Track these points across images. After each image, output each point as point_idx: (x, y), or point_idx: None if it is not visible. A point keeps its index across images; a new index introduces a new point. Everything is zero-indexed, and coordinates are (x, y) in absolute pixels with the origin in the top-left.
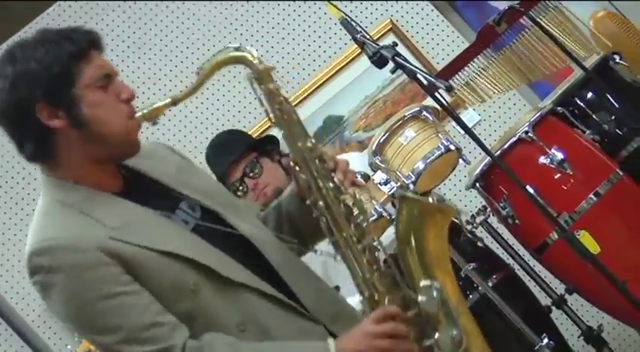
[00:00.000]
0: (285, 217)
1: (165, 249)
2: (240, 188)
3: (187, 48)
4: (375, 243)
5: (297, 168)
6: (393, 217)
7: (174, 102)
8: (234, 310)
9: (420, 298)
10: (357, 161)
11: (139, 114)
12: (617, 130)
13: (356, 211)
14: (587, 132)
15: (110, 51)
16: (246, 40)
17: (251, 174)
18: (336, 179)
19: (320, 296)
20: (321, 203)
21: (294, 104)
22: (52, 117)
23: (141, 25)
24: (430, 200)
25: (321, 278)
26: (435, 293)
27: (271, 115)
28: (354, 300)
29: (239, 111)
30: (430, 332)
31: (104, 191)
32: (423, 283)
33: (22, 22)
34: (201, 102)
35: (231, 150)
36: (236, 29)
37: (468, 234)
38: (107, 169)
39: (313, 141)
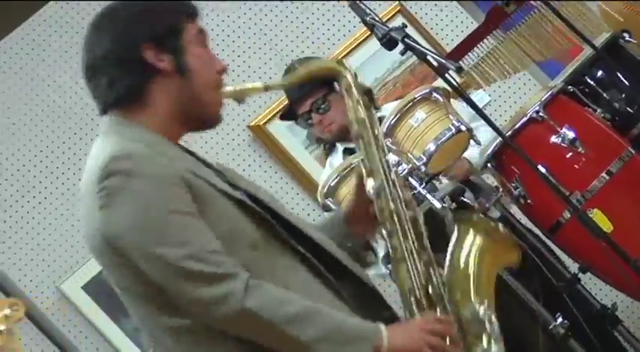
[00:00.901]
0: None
1: (237, 197)
2: (308, 121)
3: None
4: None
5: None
6: None
7: (267, 89)
8: (285, 276)
9: (468, 317)
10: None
11: (229, 88)
12: (628, 108)
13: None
14: (598, 110)
15: None
16: (255, 24)
17: (319, 110)
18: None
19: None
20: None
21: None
22: (158, 59)
23: None
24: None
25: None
26: (482, 315)
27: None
28: None
29: None
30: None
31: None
32: (474, 305)
33: (16, 21)
34: None
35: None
36: (245, 13)
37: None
38: (180, 135)
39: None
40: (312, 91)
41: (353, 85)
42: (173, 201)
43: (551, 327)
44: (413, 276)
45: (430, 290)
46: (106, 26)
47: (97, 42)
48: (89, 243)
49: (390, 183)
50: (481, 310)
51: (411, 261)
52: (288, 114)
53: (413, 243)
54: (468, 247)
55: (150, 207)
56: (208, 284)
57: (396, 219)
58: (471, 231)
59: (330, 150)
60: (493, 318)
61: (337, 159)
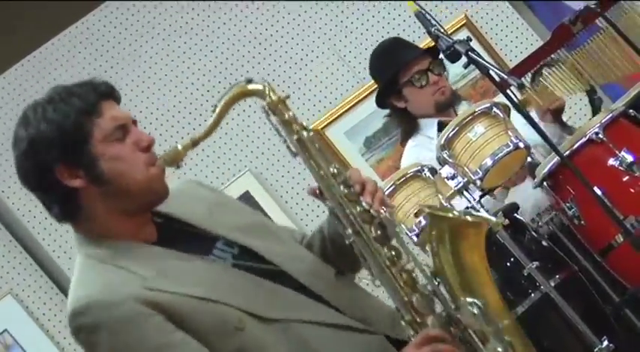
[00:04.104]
0: (328, 241)
1: (201, 296)
2: (421, 78)
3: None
4: (411, 264)
5: (323, 197)
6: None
7: (194, 143)
8: (282, 341)
9: (462, 316)
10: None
11: (160, 161)
12: None
13: (391, 234)
14: None
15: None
16: (325, 34)
17: (436, 71)
18: (364, 203)
19: (369, 307)
20: (349, 230)
21: (366, 94)
22: (72, 178)
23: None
24: (457, 214)
25: (368, 292)
26: (476, 311)
27: (290, 146)
28: None
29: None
30: (477, 348)
31: (137, 241)
32: (463, 300)
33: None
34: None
35: (416, 48)
36: (309, 26)
37: (533, 233)
38: (138, 219)
39: (337, 166)
40: (429, 53)
41: (279, 103)
42: (141, 340)
43: (596, 350)
44: (396, 293)
45: (417, 302)
46: (16, 156)
47: (18, 170)
48: None
49: (343, 198)
50: (475, 307)
51: (389, 276)
52: (386, 87)
53: (386, 258)
54: (440, 242)
55: None
56: None
57: (356, 238)
58: (437, 227)
59: (408, 133)
60: (488, 311)
61: (431, 131)
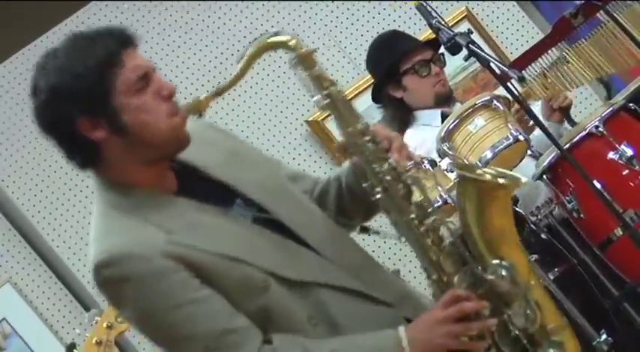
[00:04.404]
0: (345, 190)
1: (227, 254)
2: (423, 67)
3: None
4: (439, 222)
5: (350, 152)
6: None
7: (219, 93)
8: (303, 304)
9: (490, 277)
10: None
11: (183, 109)
12: None
13: (416, 191)
14: None
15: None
16: (325, 25)
17: (438, 63)
18: (391, 159)
19: (379, 279)
20: (378, 188)
21: (367, 86)
22: (95, 130)
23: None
24: (488, 176)
25: (375, 260)
26: (504, 272)
27: (320, 100)
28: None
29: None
30: (503, 308)
31: (160, 191)
32: (492, 262)
33: (53, 21)
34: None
35: (417, 39)
36: (310, 17)
37: (532, 226)
38: (159, 168)
39: (365, 122)
40: (431, 45)
41: (308, 56)
42: (167, 296)
43: (594, 343)
44: (423, 252)
45: (443, 261)
46: (36, 107)
47: (37, 120)
48: None
49: (372, 155)
50: (503, 269)
51: (417, 234)
52: (386, 74)
53: (414, 216)
54: (468, 204)
55: (148, 310)
56: None
57: (385, 196)
58: (466, 189)
59: (403, 126)
60: (516, 274)
61: (434, 121)
